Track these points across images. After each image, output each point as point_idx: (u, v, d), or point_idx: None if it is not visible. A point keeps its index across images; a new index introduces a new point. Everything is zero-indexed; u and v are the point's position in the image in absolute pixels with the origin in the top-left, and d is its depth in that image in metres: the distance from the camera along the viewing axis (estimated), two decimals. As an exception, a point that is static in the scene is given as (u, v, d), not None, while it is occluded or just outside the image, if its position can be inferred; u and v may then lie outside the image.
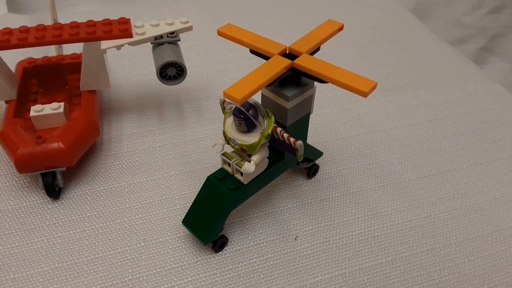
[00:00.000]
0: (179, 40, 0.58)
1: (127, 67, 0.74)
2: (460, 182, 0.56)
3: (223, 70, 0.75)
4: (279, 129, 0.43)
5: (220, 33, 0.46)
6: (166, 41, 0.58)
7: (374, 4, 0.99)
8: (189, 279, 0.44)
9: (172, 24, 0.60)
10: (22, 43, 0.53)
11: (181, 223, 0.48)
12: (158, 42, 0.57)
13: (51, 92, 0.59)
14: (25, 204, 0.50)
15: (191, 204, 0.49)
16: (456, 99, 0.71)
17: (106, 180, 0.54)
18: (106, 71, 0.58)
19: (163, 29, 0.59)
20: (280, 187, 0.54)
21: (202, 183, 0.49)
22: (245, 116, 0.41)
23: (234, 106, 0.42)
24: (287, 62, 0.42)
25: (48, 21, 0.90)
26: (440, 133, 0.64)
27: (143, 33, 0.58)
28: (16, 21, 0.86)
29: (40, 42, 0.53)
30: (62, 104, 0.55)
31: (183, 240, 0.47)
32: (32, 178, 0.53)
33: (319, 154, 0.56)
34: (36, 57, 0.67)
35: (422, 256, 0.47)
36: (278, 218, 0.50)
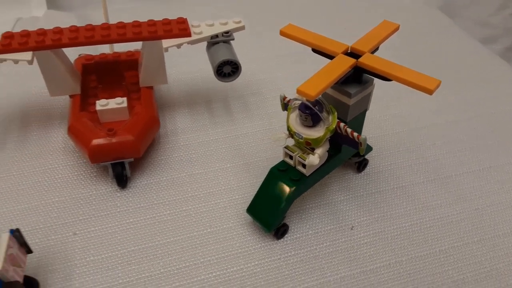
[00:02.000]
0: (233, 39, 0.61)
1: (174, 65, 0.75)
2: (504, 178, 0.58)
3: (263, 68, 0.77)
4: (342, 124, 0.45)
5: (282, 33, 0.49)
6: (221, 40, 0.61)
7: (405, 5, 1.02)
8: (256, 262, 0.47)
9: (226, 24, 0.63)
10: (89, 41, 0.55)
11: (242, 211, 0.52)
12: (213, 41, 0.61)
13: (110, 88, 0.63)
14: (95, 192, 0.54)
15: (250, 194, 0.53)
16: (492, 97, 0.73)
17: (168, 171, 0.57)
18: (164, 68, 0.61)
19: (218, 29, 0.62)
20: (332, 180, 0.57)
21: (256, 175, 0.54)
22: (312, 112, 0.44)
23: (301, 102, 0.45)
24: (351, 61, 0.44)
25: (88, 18, 0.94)
26: (480, 130, 0.66)
27: (200, 33, 0.61)
28: (59, 19, 0.89)
29: (106, 40, 0.56)
30: (125, 99, 0.58)
31: (246, 227, 0.51)
32: (98, 168, 0.57)
33: (369, 149, 0.58)
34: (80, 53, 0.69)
35: (473, 246, 0.50)
36: (332, 209, 0.53)
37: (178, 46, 0.58)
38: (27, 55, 0.54)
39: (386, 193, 0.55)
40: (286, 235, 0.50)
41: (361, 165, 0.57)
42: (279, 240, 0.49)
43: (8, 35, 0.55)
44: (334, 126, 0.45)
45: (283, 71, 0.77)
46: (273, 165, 0.49)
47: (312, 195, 0.54)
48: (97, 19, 0.80)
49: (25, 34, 0.56)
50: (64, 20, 0.89)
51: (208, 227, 0.51)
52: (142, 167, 0.58)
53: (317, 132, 0.45)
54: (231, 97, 0.71)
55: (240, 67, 0.59)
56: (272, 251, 0.48)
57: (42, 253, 0.47)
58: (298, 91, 0.40)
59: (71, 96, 0.60)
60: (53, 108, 0.66)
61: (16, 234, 0.41)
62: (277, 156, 0.55)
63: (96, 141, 0.51)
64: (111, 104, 0.57)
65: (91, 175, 0.56)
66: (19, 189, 0.54)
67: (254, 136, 0.63)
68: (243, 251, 0.48)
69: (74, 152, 0.59)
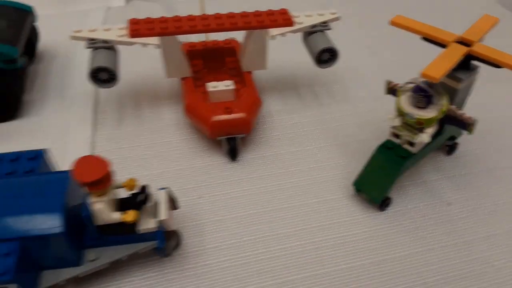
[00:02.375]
0: (330, 29, 0.66)
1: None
2: None
3: (344, 58, 0.77)
4: (453, 106, 0.50)
5: (393, 23, 0.54)
6: (319, 29, 0.66)
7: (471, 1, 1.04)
8: (365, 229, 0.52)
9: (323, 15, 0.68)
10: (206, 29, 0.61)
11: (343, 185, 0.57)
12: (312, 30, 0.66)
13: (213, 72, 0.69)
14: (211, 164, 0.60)
15: (348, 170, 0.59)
16: None
17: (269, 148, 0.63)
18: (266, 55, 0.67)
19: (316, 19, 0.67)
20: (425, 161, 0.61)
21: (352, 154, 0.60)
22: (427, 94, 0.48)
23: (415, 85, 0.49)
24: (464, 49, 0.49)
25: (173, 8, 0.99)
26: None
27: (301, 23, 0.66)
28: (143, 8, 0.96)
29: (220, 28, 0.62)
30: (232, 82, 0.64)
31: (349, 199, 0.56)
32: (209, 142, 0.63)
33: (461, 132, 0.62)
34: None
35: None
36: (428, 187, 0.58)
37: (283, 34, 0.64)
38: (155, 39, 0.60)
39: (476, 174, 0.59)
40: (387, 208, 0.55)
41: (452, 148, 0.62)
42: (382, 212, 0.54)
43: (135, 21, 0.62)
44: (446, 108, 0.49)
45: (361, 61, 0.81)
46: (380, 143, 0.54)
47: (408, 175, 0.59)
48: (182, 9, 0.87)
49: (150, 21, 0.62)
50: (149, 9, 0.96)
51: (315, 198, 0.56)
52: (246, 143, 0.63)
53: (429, 113, 0.49)
54: (316, 84, 0.76)
55: (338, 54, 0.64)
56: (378, 220, 0.53)
57: (174, 212, 0.52)
58: (424, 74, 0.45)
59: (182, 79, 0.67)
60: (160, 90, 0.73)
61: (167, 191, 0.47)
62: (368, 138, 0.63)
63: (216, 118, 0.58)
64: (220, 86, 0.63)
65: (203, 149, 0.63)
66: (144, 158, 0.61)
67: (342, 119, 0.68)
68: (351, 219, 0.54)
69: (185, 128, 0.66)
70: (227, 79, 0.66)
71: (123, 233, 0.43)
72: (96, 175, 0.38)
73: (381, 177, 0.53)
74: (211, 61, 0.70)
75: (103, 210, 0.40)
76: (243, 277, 0.48)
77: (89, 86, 0.71)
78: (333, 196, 0.57)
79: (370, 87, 0.75)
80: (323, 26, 0.66)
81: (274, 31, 0.64)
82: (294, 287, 0.47)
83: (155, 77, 0.75)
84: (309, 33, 0.66)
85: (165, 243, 0.44)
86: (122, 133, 0.65)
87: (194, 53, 0.71)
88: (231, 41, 0.74)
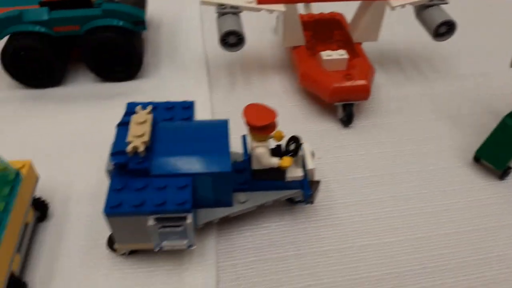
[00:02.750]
0: (447, 3, 0.67)
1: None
2: None
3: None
4: None
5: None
6: (436, 3, 0.67)
7: None
8: (483, 196, 0.54)
9: (434, -9, 0.69)
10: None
11: (458, 155, 0.58)
12: (429, 4, 0.66)
13: (322, 43, 0.71)
14: (324, 129, 0.63)
15: (462, 141, 0.60)
16: None
17: (379, 117, 0.65)
18: (380, 26, 0.68)
19: (430, -6, 0.68)
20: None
21: (463, 127, 0.62)
22: None
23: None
24: None
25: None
26: None
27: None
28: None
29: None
30: (345, 51, 0.66)
31: (468, 168, 0.57)
32: (319, 108, 0.65)
33: None
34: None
35: None
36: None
37: (403, 6, 0.65)
38: (281, 7, 0.63)
39: None
40: (507, 178, 0.56)
41: None
42: (502, 181, 0.56)
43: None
44: None
45: (463, 37, 0.77)
46: (506, 115, 0.54)
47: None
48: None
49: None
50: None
51: (432, 165, 0.58)
52: (357, 112, 0.65)
53: None
54: (419, 59, 0.76)
55: (456, 26, 0.65)
56: (497, 189, 0.55)
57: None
58: None
59: (294, 48, 0.69)
60: (265, 59, 0.76)
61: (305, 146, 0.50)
62: (477, 112, 0.65)
63: (336, 84, 0.60)
64: (334, 55, 0.65)
65: (315, 114, 0.65)
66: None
67: (449, 94, 0.69)
68: (470, 186, 0.55)
69: (294, 95, 0.69)
70: (336, 50, 0.68)
71: (273, 179, 0.47)
72: (265, 120, 0.41)
73: (505, 146, 0.54)
74: (319, 32, 0.73)
75: (264, 154, 0.43)
76: (376, 231, 0.51)
77: (199, 52, 0.77)
78: (450, 164, 0.58)
79: (474, 63, 0.76)
80: (441, 1, 0.67)
81: (395, 2, 0.65)
82: (429, 243, 0.49)
83: (259, 46, 0.78)
84: (425, 6, 0.67)
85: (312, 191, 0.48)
86: (236, 97, 0.69)
87: (304, 25, 0.72)
88: (336, 14, 0.76)
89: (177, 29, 0.83)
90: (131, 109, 0.48)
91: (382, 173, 0.57)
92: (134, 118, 0.43)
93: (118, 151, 0.42)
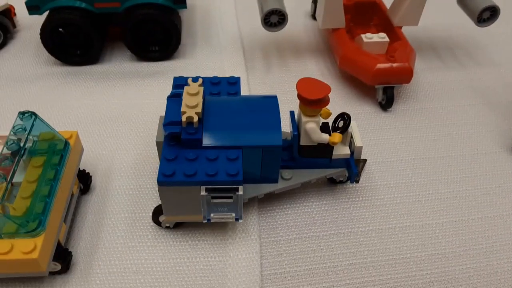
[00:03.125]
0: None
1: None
2: None
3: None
4: None
5: None
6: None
7: None
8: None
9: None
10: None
11: (498, 140, 0.58)
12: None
13: (361, 26, 0.71)
14: (363, 111, 0.63)
15: (502, 127, 0.60)
16: None
17: (419, 102, 0.65)
18: (421, 10, 0.67)
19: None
20: None
21: (501, 113, 0.62)
22: None
23: None
24: None
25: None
26: None
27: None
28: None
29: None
30: (385, 35, 0.66)
31: (504, 153, 0.57)
32: (359, 92, 0.65)
33: None
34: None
35: None
36: None
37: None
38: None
39: None
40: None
41: None
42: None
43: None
44: None
45: (498, 27, 0.76)
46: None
47: None
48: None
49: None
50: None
51: (472, 150, 0.58)
52: (397, 96, 0.65)
53: None
54: (455, 47, 0.76)
55: (499, 12, 0.64)
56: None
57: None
58: None
59: (334, 30, 0.69)
60: (300, 42, 0.76)
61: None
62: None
63: (380, 65, 0.60)
64: (375, 38, 0.65)
65: (353, 97, 0.65)
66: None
67: (487, 81, 0.69)
68: (496, 172, 0.55)
69: (331, 78, 0.68)
70: (375, 33, 0.67)
71: (320, 156, 0.47)
72: (319, 94, 0.41)
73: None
74: (357, 16, 0.72)
75: (315, 129, 0.43)
76: (416, 213, 0.51)
77: (234, 34, 0.77)
78: (490, 149, 0.58)
79: (510, 52, 0.75)
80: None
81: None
82: (470, 226, 0.49)
83: (294, 30, 0.78)
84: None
85: (358, 169, 0.48)
86: (272, 79, 0.69)
87: (346, 8, 0.71)
88: (375, -1, 0.76)
89: (211, 11, 0.83)
90: (178, 82, 0.48)
91: (422, 156, 0.57)
92: (187, 89, 0.43)
93: (171, 121, 0.42)
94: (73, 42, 0.68)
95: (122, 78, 0.68)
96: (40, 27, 0.66)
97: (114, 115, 0.62)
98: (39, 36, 0.66)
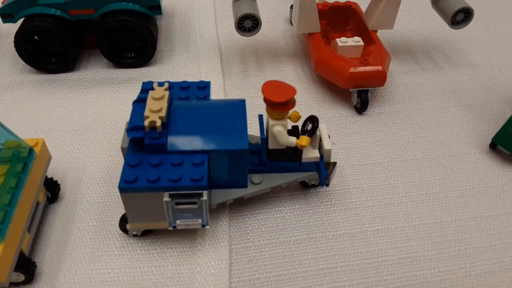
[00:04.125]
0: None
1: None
2: None
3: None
4: None
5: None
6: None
7: None
8: (502, 182, 0.53)
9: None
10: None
11: (474, 142, 0.58)
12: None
13: (337, 31, 0.71)
14: (338, 115, 0.62)
15: (477, 129, 0.60)
16: None
17: (394, 104, 0.65)
18: (396, 14, 0.67)
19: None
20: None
21: (477, 115, 0.61)
22: None
23: None
24: None
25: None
26: None
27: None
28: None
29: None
30: (360, 39, 0.66)
31: (484, 155, 0.57)
32: (334, 96, 0.65)
33: None
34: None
35: None
36: None
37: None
38: (296, -9, 0.63)
39: None
40: (524, 166, 0.56)
41: None
42: (518, 167, 0.56)
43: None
44: None
45: (474, 29, 0.80)
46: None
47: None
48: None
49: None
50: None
51: (447, 151, 0.58)
52: (371, 99, 0.65)
53: None
54: (432, 49, 0.76)
55: (473, 13, 0.64)
56: (515, 176, 0.55)
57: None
58: None
59: (309, 35, 0.69)
60: (277, 47, 0.76)
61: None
62: (492, 101, 0.64)
63: (353, 69, 0.60)
64: (349, 42, 0.65)
65: (328, 101, 0.65)
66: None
67: (463, 83, 0.69)
68: (487, 172, 0.54)
69: (307, 82, 0.68)
70: (350, 37, 0.67)
71: (289, 159, 0.46)
72: (285, 96, 0.41)
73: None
74: (333, 21, 0.72)
75: (282, 132, 0.43)
76: (390, 216, 0.50)
77: (212, 40, 0.76)
78: (466, 151, 0.58)
79: (486, 54, 0.75)
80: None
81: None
82: (443, 229, 0.49)
83: (272, 35, 0.78)
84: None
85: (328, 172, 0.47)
86: (249, 83, 0.68)
87: (319, 13, 0.70)
88: (351, 2, 0.75)
89: (190, 18, 0.83)
90: (146, 87, 0.48)
91: (396, 159, 0.57)
92: (151, 94, 0.42)
93: (135, 126, 0.41)
94: (48, 50, 0.68)
95: (97, 85, 0.68)
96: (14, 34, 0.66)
97: (87, 122, 0.61)
98: (13, 44, 0.66)
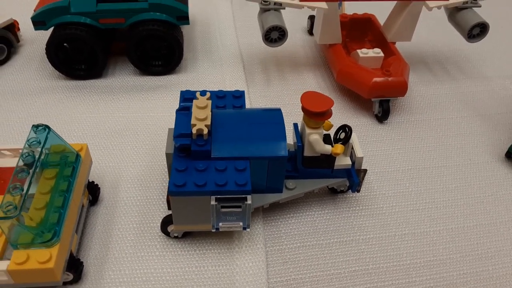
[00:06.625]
0: (480, 6, 0.69)
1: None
2: None
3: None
4: None
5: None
6: (470, 6, 0.69)
7: None
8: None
9: (470, -7, 0.71)
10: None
11: (491, 151, 0.60)
12: (463, 6, 0.68)
13: (356, 42, 0.74)
14: (359, 124, 0.65)
15: (494, 139, 0.63)
16: None
17: (413, 114, 0.67)
18: (415, 27, 0.70)
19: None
20: None
21: (492, 125, 0.65)
22: None
23: None
24: None
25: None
26: None
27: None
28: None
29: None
30: (380, 50, 0.68)
31: (501, 163, 0.60)
32: (355, 104, 0.67)
33: None
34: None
35: None
36: None
37: (439, 7, 0.67)
38: (323, 4, 0.65)
39: None
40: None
41: None
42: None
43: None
44: None
45: (488, 42, 0.79)
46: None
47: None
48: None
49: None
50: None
51: (466, 159, 0.60)
52: (392, 108, 0.67)
53: None
54: (446, 61, 0.79)
55: (488, 28, 0.67)
56: None
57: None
58: None
59: (331, 46, 0.72)
60: (298, 57, 0.78)
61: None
62: (507, 111, 0.67)
63: (376, 79, 0.63)
64: (370, 53, 0.68)
65: (349, 110, 0.68)
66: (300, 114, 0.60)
67: (478, 94, 0.72)
68: (504, 181, 0.57)
69: (328, 92, 0.71)
70: (370, 49, 0.70)
71: (322, 166, 0.49)
72: (323, 107, 0.43)
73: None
74: (353, 32, 0.75)
75: (318, 141, 0.45)
76: (414, 221, 0.53)
77: (234, 49, 0.79)
78: (484, 159, 0.61)
79: (499, 66, 0.78)
80: (474, 3, 0.69)
81: (432, 3, 0.67)
82: (466, 233, 0.51)
83: (292, 45, 0.80)
84: (459, 9, 0.69)
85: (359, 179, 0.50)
86: (272, 92, 0.71)
87: (342, 24, 0.74)
88: (370, 15, 0.78)
89: (211, 27, 0.86)
90: (186, 96, 0.50)
91: (418, 166, 0.59)
92: (196, 103, 0.45)
93: (181, 133, 0.44)
94: (78, 57, 0.70)
95: (125, 91, 0.70)
96: (43, 41, 0.67)
97: (119, 128, 0.63)
98: (45, 51, 0.68)
